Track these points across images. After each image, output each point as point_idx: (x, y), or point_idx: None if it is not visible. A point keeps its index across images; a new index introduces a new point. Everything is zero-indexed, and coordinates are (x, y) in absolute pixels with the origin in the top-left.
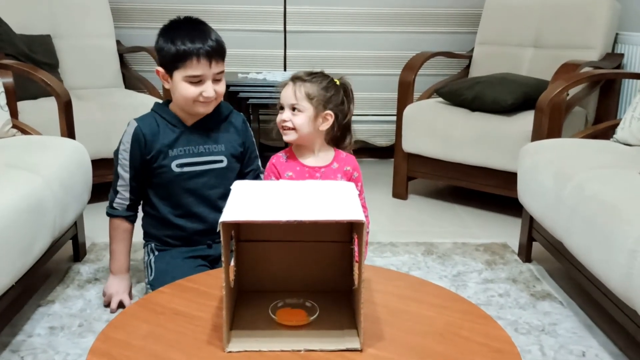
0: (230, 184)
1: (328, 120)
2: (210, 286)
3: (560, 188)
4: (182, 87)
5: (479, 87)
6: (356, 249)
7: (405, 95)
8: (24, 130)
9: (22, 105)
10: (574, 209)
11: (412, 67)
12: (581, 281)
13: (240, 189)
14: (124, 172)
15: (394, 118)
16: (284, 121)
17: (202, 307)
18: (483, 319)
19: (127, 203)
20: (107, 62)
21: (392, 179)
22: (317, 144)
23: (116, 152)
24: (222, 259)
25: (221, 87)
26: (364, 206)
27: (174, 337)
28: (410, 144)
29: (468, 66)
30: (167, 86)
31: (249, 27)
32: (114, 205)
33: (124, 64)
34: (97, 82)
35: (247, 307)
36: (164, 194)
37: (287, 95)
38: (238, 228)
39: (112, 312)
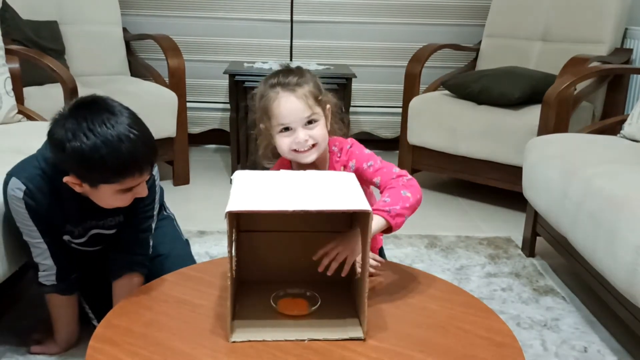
0: None
1: (328, 112)
2: (213, 275)
3: (566, 183)
4: None
5: (486, 80)
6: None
7: (411, 87)
8: (29, 116)
9: (28, 91)
10: (580, 204)
11: (418, 59)
12: (585, 277)
13: (241, 178)
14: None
15: (400, 110)
16: (304, 142)
17: (205, 296)
18: (485, 312)
19: (54, 273)
20: (113, 49)
21: None
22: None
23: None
24: (227, 249)
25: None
26: (398, 176)
27: (177, 325)
28: (416, 137)
29: (475, 59)
30: None
31: (256, 16)
32: (40, 280)
33: (130, 51)
34: (103, 69)
35: (248, 297)
36: None
37: (298, 109)
38: (238, 218)
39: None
